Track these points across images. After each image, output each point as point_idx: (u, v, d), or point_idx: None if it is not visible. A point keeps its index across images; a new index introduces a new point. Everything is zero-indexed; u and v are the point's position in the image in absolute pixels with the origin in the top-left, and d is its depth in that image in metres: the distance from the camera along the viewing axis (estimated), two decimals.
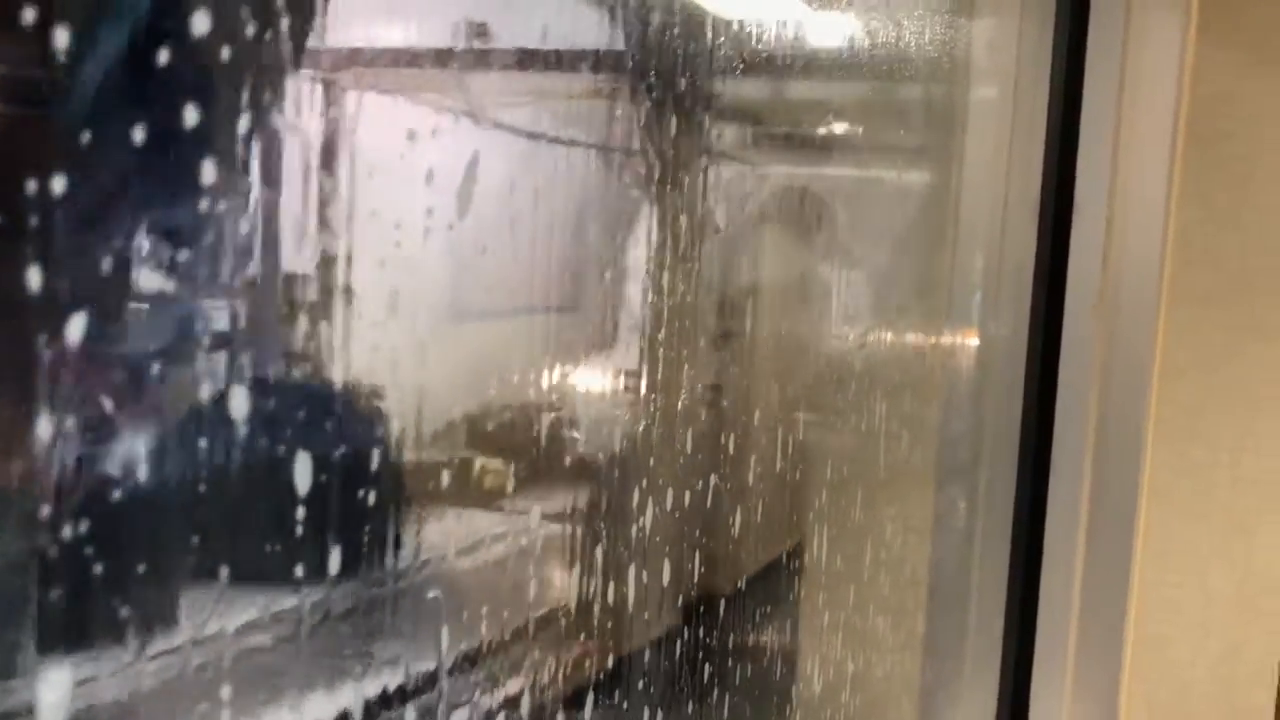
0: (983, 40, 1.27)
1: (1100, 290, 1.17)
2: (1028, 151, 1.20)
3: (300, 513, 1.03)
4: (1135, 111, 1.16)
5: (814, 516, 1.77)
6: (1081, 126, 1.18)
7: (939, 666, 1.27)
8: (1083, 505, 1.17)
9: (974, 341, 1.29)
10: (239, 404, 0.99)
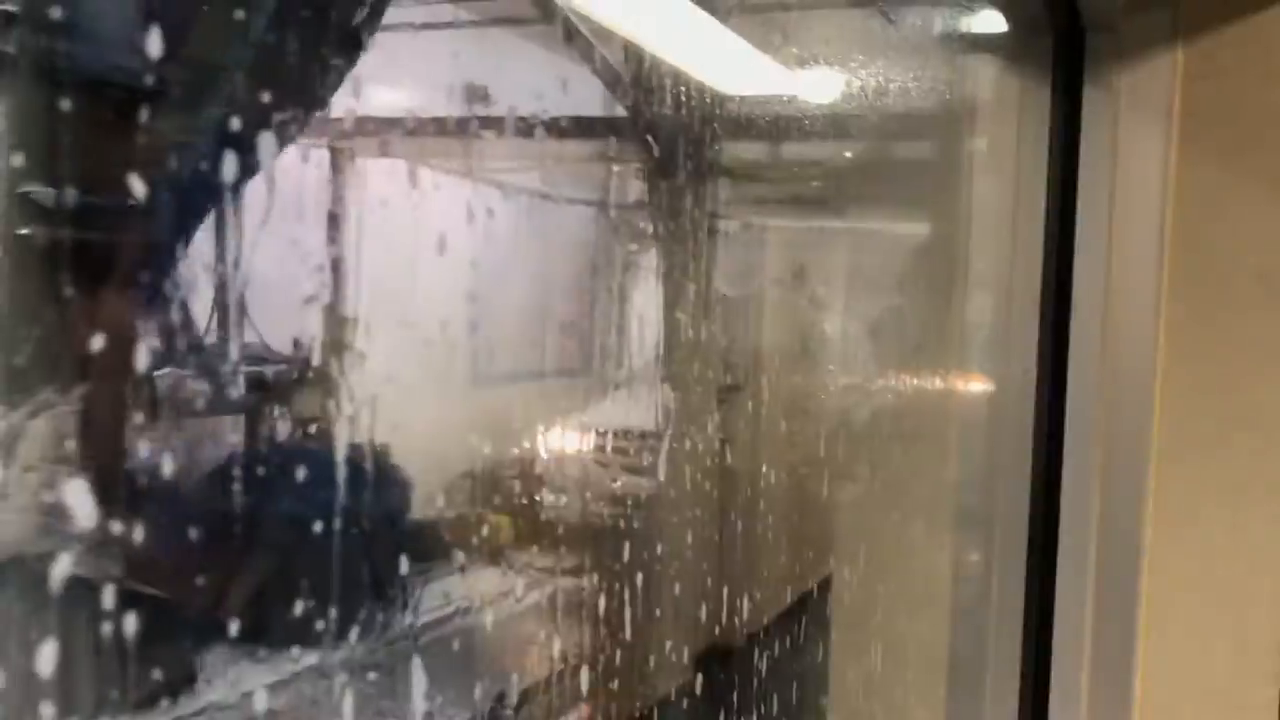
0: (984, 147, 1.36)
1: (1099, 382, 1.26)
2: (1028, 255, 1.30)
3: (312, 575, 1.13)
4: (1126, 216, 1.25)
5: (833, 569, 1.84)
6: (1077, 230, 1.28)
7: None
8: (1089, 584, 1.25)
9: (982, 428, 1.37)
10: (252, 469, 1.11)
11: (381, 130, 4.34)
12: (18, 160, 0.91)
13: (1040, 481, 1.29)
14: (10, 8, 0.90)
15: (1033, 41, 1.29)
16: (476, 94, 4.91)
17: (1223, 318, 1.24)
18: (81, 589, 0.76)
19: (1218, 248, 1.24)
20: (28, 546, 0.76)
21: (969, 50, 1.47)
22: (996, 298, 1.35)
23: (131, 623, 0.79)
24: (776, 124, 3.50)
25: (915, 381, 1.84)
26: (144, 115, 1.05)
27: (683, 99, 3.33)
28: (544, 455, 3.85)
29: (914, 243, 1.95)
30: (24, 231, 0.90)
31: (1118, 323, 1.26)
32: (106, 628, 0.77)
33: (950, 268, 1.61)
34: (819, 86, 2.82)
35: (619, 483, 4.12)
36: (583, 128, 4.34)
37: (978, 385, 1.42)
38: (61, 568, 0.75)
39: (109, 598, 0.77)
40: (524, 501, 3.86)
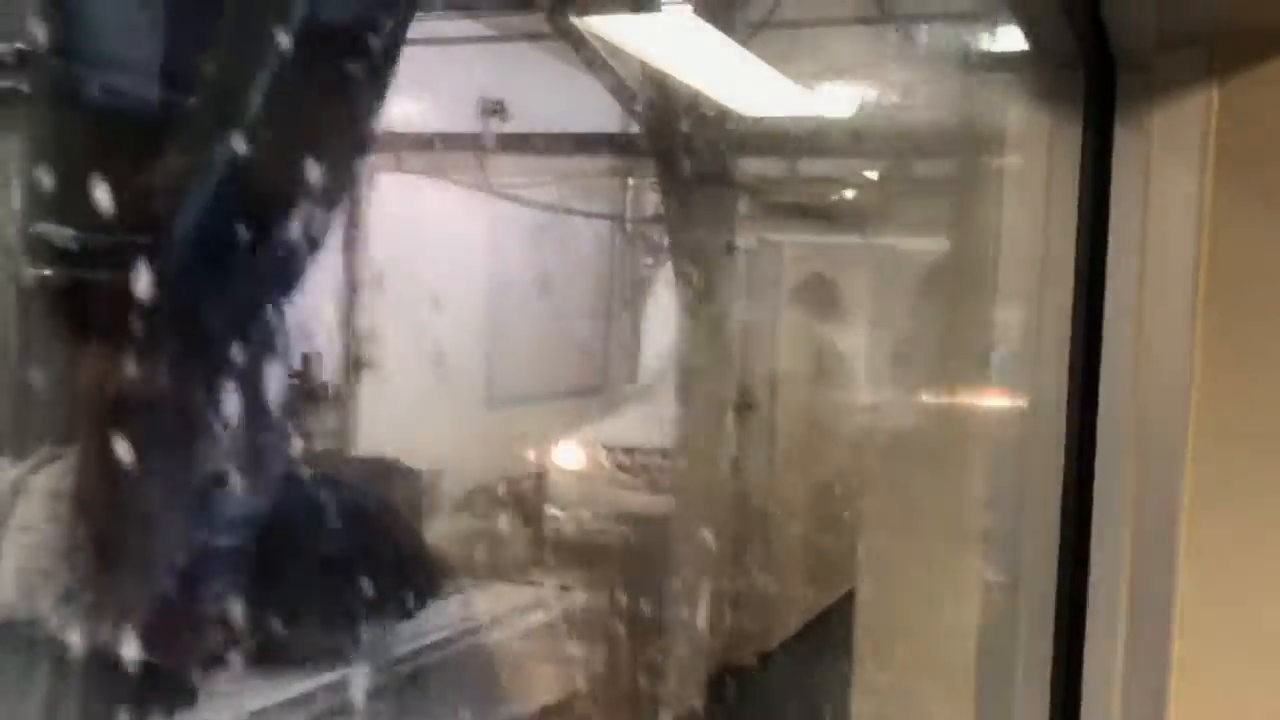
0: (1013, 182, 1.34)
1: (1131, 426, 1.24)
2: (1058, 294, 1.27)
3: (323, 592, 1.11)
4: (1159, 254, 1.23)
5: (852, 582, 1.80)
6: (1108, 268, 1.25)
7: None
8: (1119, 645, 1.23)
9: (1009, 477, 1.35)
10: (268, 486, 1.06)
11: (399, 145, 4.33)
12: (30, 197, 0.89)
13: (1070, 529, 1.27)
14: (22, 45, 0.88)
15: (1064, 78, 1.26)
16: (493, 108, 4.90)
17: (1259, 361, 1.22)
18: (75, 652, 0.73)
19: (1253, 288, 1.22)
20: (19, 611, 0.74)
21: (999, 84, 1.44)
22: (1025, 336, 1.33)
23: (126, 682, 0.77)
24: (797, 143, 3.48)
25: (936, 404, 1.81)
26: (159, 150, 1.03)
27: (701, 116, 3.31)
28: (558, 476, 3.83)
29: (937, 268, 1.93)
30: (37, 272, 0.88)
31: (1151, 366, 1.23)
32: (102, 685, 0.75)
33: (976, 298, 1.58)
34: (841, 109, 2.79)
35: (632, 499, 4.11)
36: (599, 144, 4.33)
37: (1004, 420, 1.40)
38: (52, 633, 0.73)
39: (103, 660, 0.75)
40: (538, 520, 3.85)
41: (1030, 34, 1.29)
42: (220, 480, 0.88)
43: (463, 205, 3.34)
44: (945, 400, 1.73)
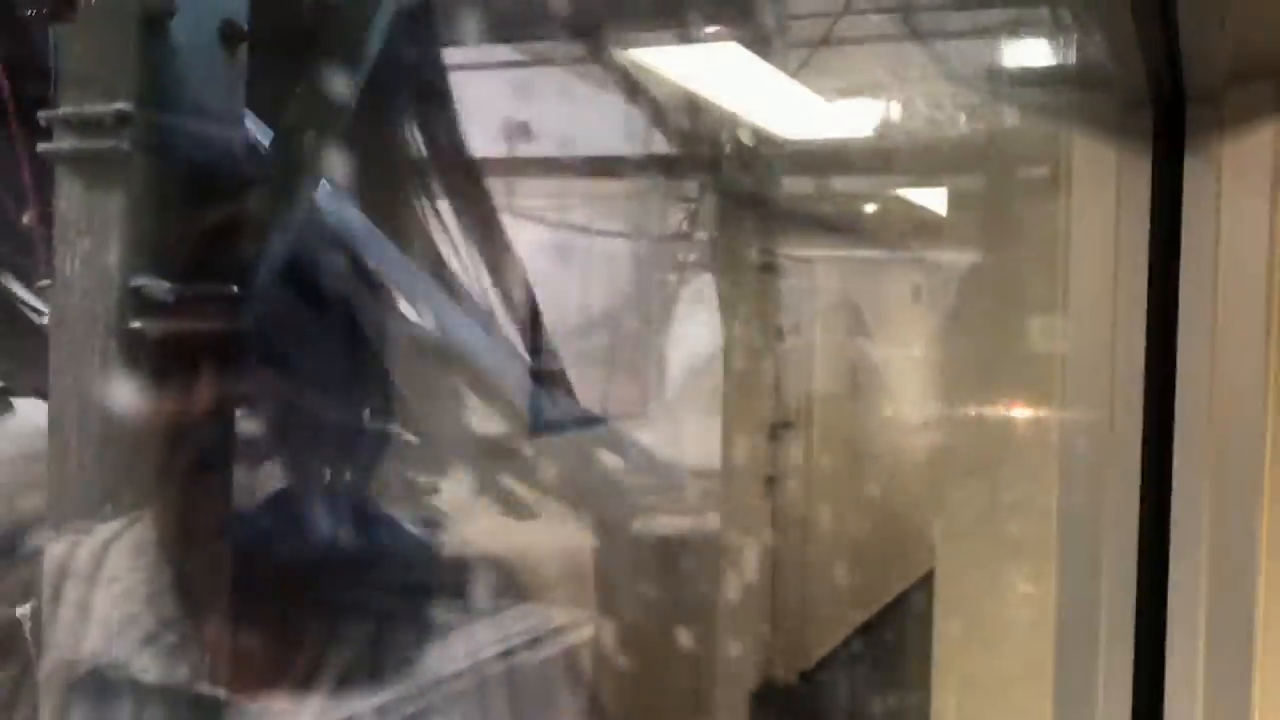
0: (1080, 214, 1.35)
1: (1206, 454, 1.25)
2: (1130, 327, 1.28)
3: (362, 618, 1.11)
4: (1231, 287, 1.24)
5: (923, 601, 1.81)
6: (1180, 299, 1.26)
7: None
8: (1199, 665, 1.24)
9: (1083, 494, 1.36)
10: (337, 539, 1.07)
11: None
12: (128, 252, 0.91)
13: (1147, 567, 1.27)
14: (124, 106, 0.90)
15: (1133, 111, 1.27)
16: (518, 130, 4.90)
17: None
18: (155, 691, 0.75)
19: None
20: (106, 656, 0.75)
21: (1066, 114, 1.45)
22: (1096, 362, 1.33)
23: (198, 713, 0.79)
24: (838, 161, 3.49)
25: (990, 418, 1.80)
26: (249, 204, 1.05)
27: (740, 137, 3.32)
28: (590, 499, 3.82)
29: (980, 284, 1.93)
30: (135, 325, 0.90)
31: (1226, 395, 1.24)
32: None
33: (1026, 314, 1.59)
34: (889, 128, 2.80)
35: (664, 521, 4.10)
36: (627, 164, 4.33)
37: (1068, 435, 1.40)
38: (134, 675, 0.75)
39: (181, 696, 0.76)
40: (569, 542, 3.85)
41: (1101, 65, 1.30)
42: (304, 520, 0.89)
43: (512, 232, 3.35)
44: (998, 414, 1.73)
